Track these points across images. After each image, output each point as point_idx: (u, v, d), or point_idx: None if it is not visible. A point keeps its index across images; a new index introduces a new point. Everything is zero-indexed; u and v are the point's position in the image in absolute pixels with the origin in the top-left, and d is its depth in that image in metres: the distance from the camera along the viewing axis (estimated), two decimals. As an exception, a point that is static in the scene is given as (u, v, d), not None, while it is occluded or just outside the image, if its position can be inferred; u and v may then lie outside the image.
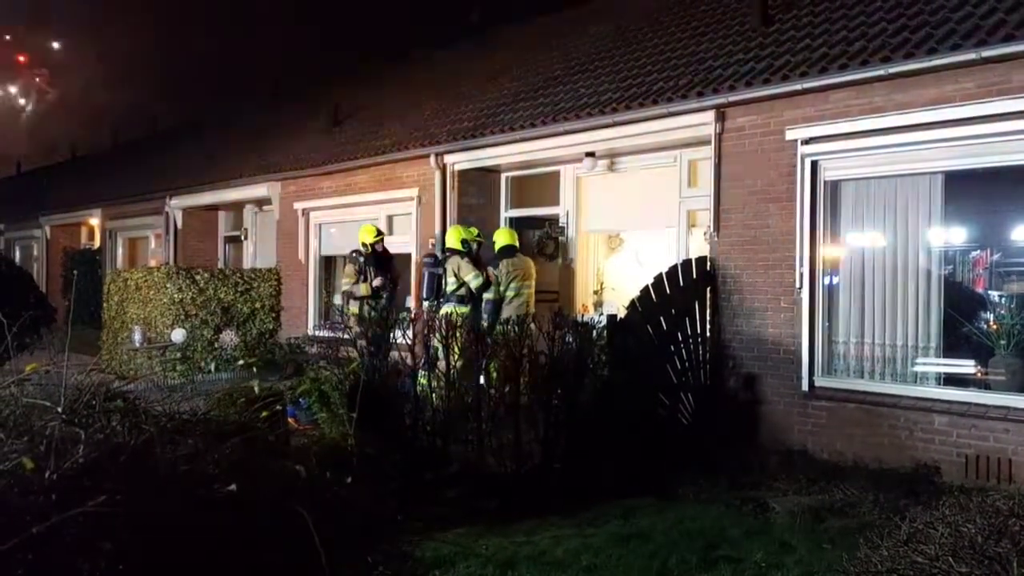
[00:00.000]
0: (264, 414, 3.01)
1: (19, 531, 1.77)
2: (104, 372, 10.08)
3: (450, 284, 9.62)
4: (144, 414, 2.37)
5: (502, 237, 9.75)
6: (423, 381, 7.25)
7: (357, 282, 10.41)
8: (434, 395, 7.09)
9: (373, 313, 9.33)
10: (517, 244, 9.80)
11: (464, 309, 9.31)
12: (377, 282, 10.42)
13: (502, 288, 9.41)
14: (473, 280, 9.47)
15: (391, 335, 7.59)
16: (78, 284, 18.79)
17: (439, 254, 10.34)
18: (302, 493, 2.22)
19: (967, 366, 7.06)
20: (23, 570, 1.79)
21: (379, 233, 10.78)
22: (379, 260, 10.68)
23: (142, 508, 1.91)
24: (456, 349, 7.13)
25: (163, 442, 2.18)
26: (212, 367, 12.03)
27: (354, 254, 10.75)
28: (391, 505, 3.30)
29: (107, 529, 1.88)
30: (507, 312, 9.05)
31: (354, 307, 10.12)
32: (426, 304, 9.97)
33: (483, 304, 9.46)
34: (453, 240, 9.77)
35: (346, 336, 7.99)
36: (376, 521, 2.77)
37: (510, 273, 9.43)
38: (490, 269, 9.57)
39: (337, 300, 13.54)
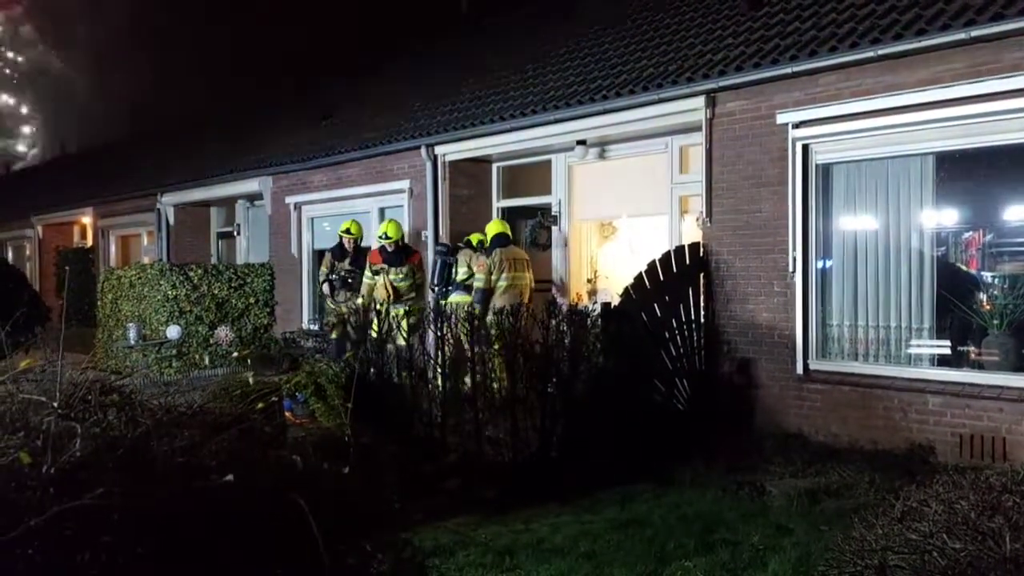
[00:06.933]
0: (260, 406, 3.02)
1: (17, 525, 1.77)
2: (100, 370, 10.07)
3: (461, 274, 9.79)
4: (140, 408, 2.37)
5: (494, 227, 9.82)
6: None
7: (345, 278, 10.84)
8: (429, 385, 7.12)
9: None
10: (509, 234, 9.88)
11: (469, 298, 9.44)
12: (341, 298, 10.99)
13: (494, 277, 9.43)
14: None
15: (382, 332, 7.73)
16: (72, 283, 18.72)
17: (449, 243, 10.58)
18: (299, 483, 2.22)
19: (961, 347, 7.08)
20: (23, 564, 1.80)
21: (347, 230, 11.19)
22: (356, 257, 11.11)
23: (140, 500, 1.91)
24: (451, 339, 7.16)
25: (159, 435, 2.18)
26: (207, 360, 12.03)
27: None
28: (389, 495, 3.30)
29: (106, 522, 1.88)
30: (500, 302, 9.07)
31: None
32: (434, 292, 10.10)
33: (473, 293, 9.51)
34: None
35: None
36: (374, 511, 2.77)
37: (502, 262, 9.45)
38: (482, 258, 9.61)
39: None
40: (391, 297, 9.89)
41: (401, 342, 7.50)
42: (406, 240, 10.73)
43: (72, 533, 1.84)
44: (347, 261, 11.15)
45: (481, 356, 6.97)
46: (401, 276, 10.27)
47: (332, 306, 11.14)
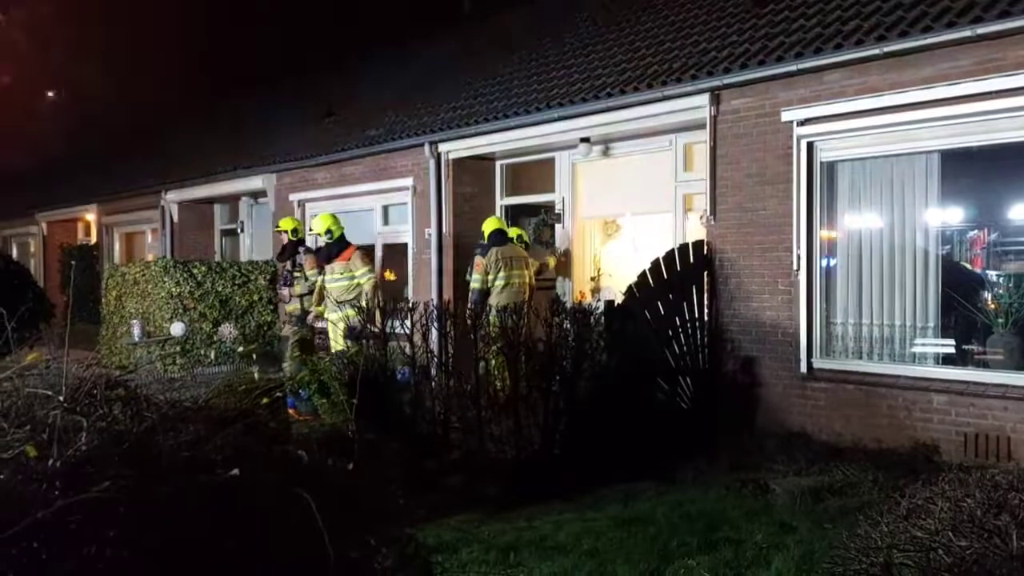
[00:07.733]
0: (264, 401, 3.02)
1: (23, 518, 1.77)
2: (105, 367, 10.08)
3: None
4: (146, 402, 2.38)
5: (490, 224, 9.72)
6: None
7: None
8: (432, 383, 7.12)
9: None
10: (506, 230, 9.80)
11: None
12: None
13: (490, 277, 9.35)
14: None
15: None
16: (76, 280, 18.75)
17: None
18: (304, 478, 2.22)
19: (965, 345, 7.07)
20: (28, 557, 1.80)
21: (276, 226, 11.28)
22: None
23: (145, 494, 1.92)
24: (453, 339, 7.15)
25: (165, 429, 2.19)
26: (212, 355, 12.06)
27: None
28: (393, 491, 3.30)
29: (111, 515, 1.89)
30: (501, 301, 8.99)
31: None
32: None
33: (470, 294, 9.44)
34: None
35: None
36: (378, 506, 2.77)
37: (498, 262, 9.37)
38: (478, 258, 9.55)
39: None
40: (320, 302, 9.60)
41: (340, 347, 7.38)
42: (308, 232, 10.31)
43: (78, 526, 1.84)
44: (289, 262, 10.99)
45: (484, 354, 6.96)
46: (336, 276, 9.46)
47: (284, 305, 11.07)
